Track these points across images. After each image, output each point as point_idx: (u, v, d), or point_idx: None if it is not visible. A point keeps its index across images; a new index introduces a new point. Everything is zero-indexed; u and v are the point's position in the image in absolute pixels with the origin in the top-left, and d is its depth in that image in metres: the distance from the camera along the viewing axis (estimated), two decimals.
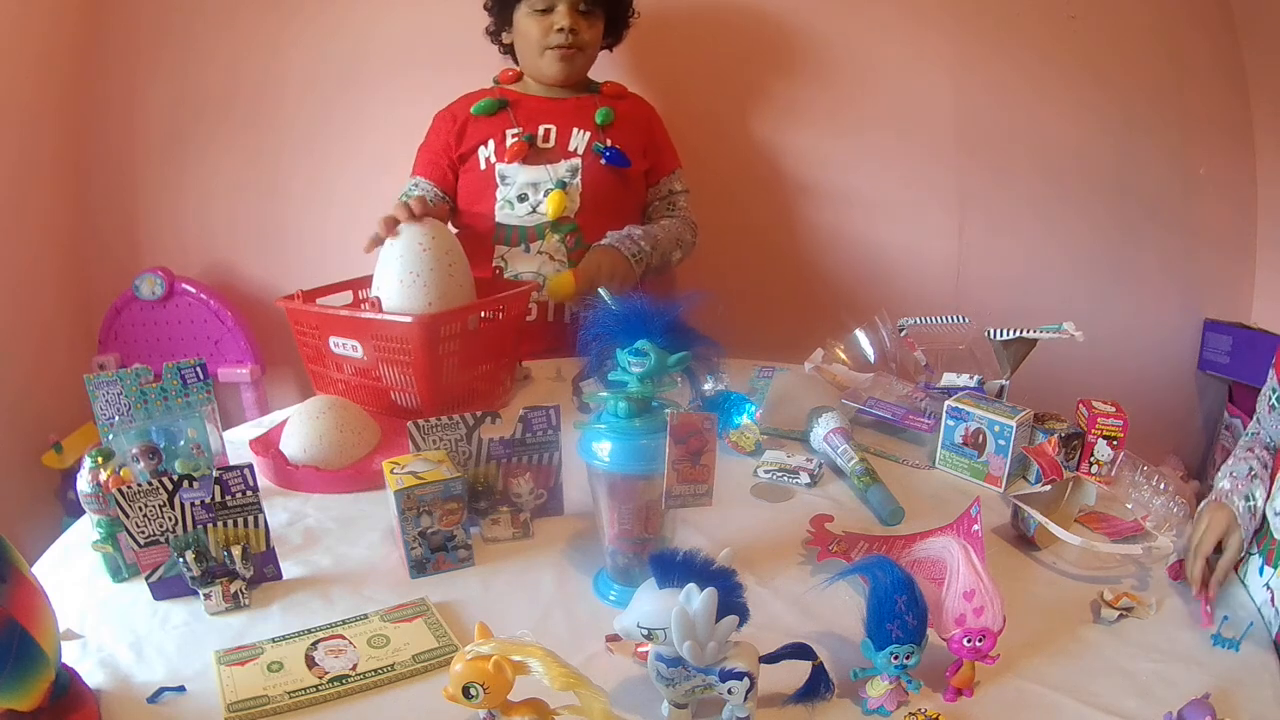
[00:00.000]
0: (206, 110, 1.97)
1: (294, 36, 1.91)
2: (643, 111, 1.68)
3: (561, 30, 1.50)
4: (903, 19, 1.84)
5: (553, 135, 1.58)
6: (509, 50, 1.66)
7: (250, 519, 0.86)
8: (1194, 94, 1.84)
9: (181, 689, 0.72)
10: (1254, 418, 0.99)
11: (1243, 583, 0.87)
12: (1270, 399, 0.93)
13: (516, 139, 1.55)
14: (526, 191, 1.55)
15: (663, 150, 1.69)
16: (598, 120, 1.58)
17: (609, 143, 1.58)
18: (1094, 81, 1.83)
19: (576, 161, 1.56)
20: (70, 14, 1.87)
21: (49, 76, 1.86)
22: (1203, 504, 0.89)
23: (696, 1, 1.88)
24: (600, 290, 0.85)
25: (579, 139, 1.57)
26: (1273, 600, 0.80)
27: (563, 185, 1.55)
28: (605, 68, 1.71)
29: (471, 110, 1.59)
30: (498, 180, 1.57)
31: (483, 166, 1.58)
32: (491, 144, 1.57)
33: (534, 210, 1.55)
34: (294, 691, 0.71)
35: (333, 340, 1.24)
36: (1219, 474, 0.92)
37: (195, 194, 2.02)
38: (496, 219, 1.57)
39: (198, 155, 2.00)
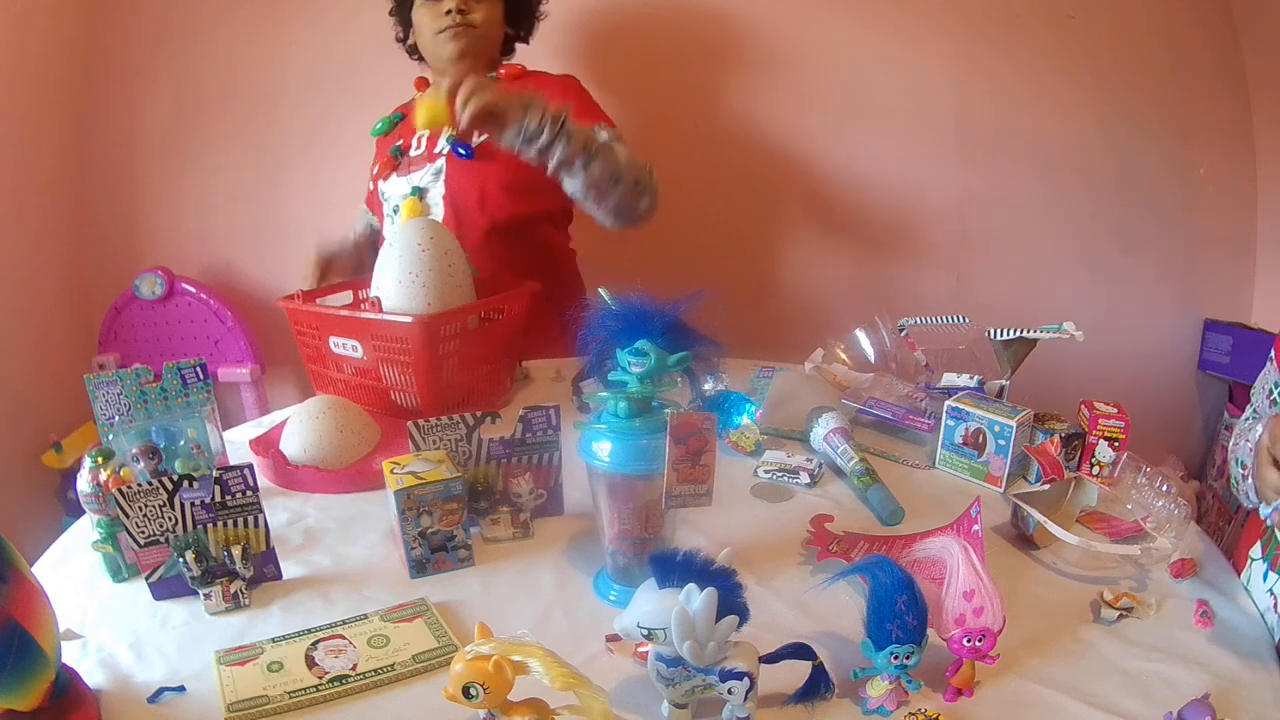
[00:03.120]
0: (206, 110, 1.97)
1: (294, 37, 1.92)
2: (552, 87, 1.45)
3: (449, 12, 1.44)
4: (903, 19, 1.84)
5: (424, 140, 1.52)
6: (417, 53, 1.61)
7: (250, 519, 0.86)
8: (1194, 94, 1.84)
9: (181, 689, 0.72)
10: (1249, 407, 0.97)
11: (1246, 589, 0.87)
12: (1271, 391, 0.93)
13: (390, 151, 1.54)
14: (399, 203, 1.52)
15: (573, 111, 1.34)
16: None
17: (477, 134, 1.44)
18: (1094, 82, 1.83)
19: (440, 163, 1.48)
20: (70, 14, 1.87)
21: (49, 76, 1.86)
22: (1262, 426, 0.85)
23: (700, 1, 1.88)
24: (600, 291, 0.83)
25: (445, 139, 1.49)
26: (1276, 606, 0.80)
27: (419, 192, 1.50)
28: (611, 71, 1.70)
29: (370, 134, 1.60)
30: (381, 198, 1.57)
31: (371, 187, 1.59)
32: (377, 166, 1.57)
33: None
34: (294, 691, 0.71)
35: (333, 340, 1.24)
36: (1242, 444, 0.89)
37: (195, 194, 2.02)
38: (385, 237, 1.53)
39: (198, 155, 2.00)
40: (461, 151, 1.45)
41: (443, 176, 1.48)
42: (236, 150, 1.99)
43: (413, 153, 1.54)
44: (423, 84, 1.62)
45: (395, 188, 1.54)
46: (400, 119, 1.60)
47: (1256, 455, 0.82)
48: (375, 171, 1.59)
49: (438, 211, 1.49)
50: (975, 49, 1.84)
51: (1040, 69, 1.84)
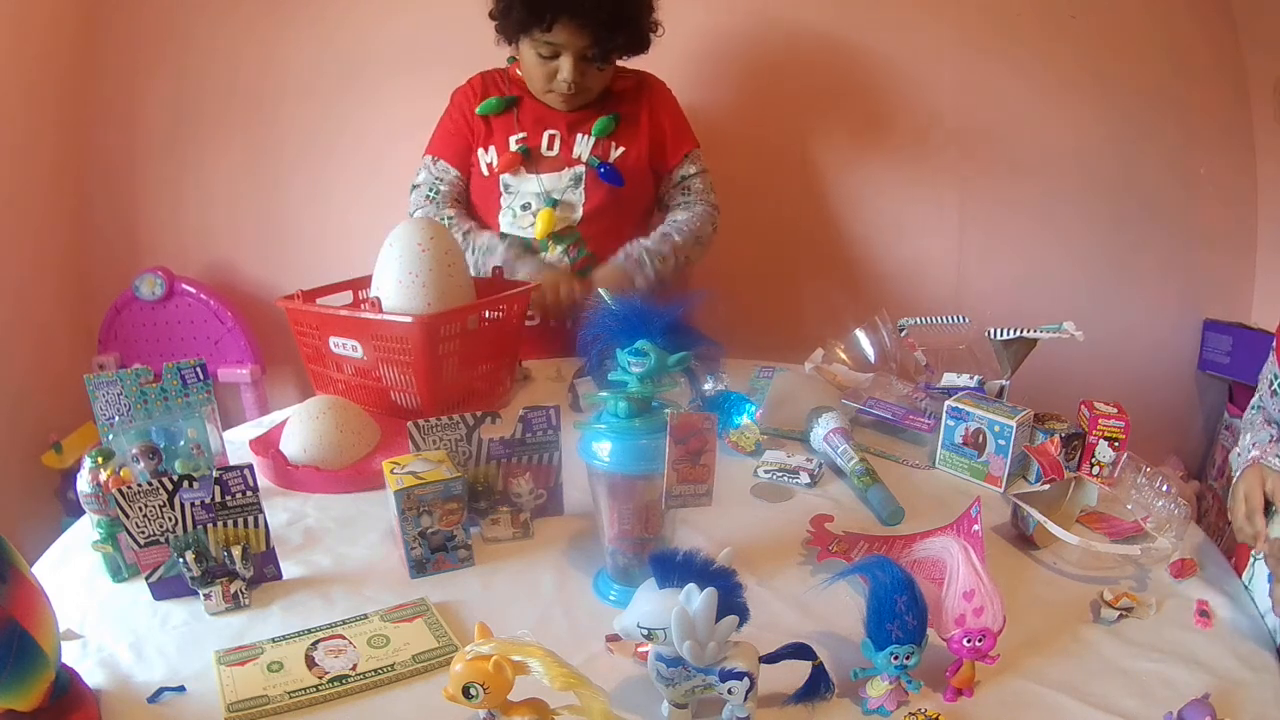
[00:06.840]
0: (206, 110, 1.97)
1: (294, 36, 1.91)
2: (651, 99, 1.59)
3: (565, 81, 1.45)
4: (902, 19, 1.84)
5: (557, 142, 1.53)
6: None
7: (250, 519, 0.86)
8: (1194, 94, 1.84)
9: (181, 689, 0.72)
10: (1255, 396, 0.98)
11: (1247, 589, 0.87)
12: (1272, 382, 0.93)
13: (517, 147, 1.52)
14: (530, 201, 1.53)
15: (672, 135, 1.60)
16: (594, 132, 1.53)
17: (614, 147, 1.54)
18: (1094, 81, 1.83)
19: (580, 169, 1.53)
20: (70, 13, 1.87)
21: (49, 76, 1.86)
22: (1237, 473, 0.88)
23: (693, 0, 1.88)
24: (600, 291, 0.85)
25: (583, 144, 1.53)
26: (1276, 607, 0.80)
27: (554, 203, 1.52)
28: None
29: (477, 111, 1.55)
30: (501, 189, 1.54)
31: (485, 173, 1.55)
32: (493, 150, 1.54)
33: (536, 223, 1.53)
34: (294, 691, 0.71)
35: (333, 340, 1.24)
36: (1237, 449, 0.91)
37: (195, 194, 2.02)
38: (501, 228, 1.55)
39: (198, 155, 2.00)
40: (601, 174, 1.53)
41: (583, 185, 1.54)
42: (236, 150, 1.99)
43: (545, 151, 1.54)
44: (520, 80, 1.56)
45: (523, 183, 1.54)
46: (514, 103, 1.55)
47: (1232, 495, 0.84)
48: (496, 163, 1.55)
49: (575, 213, 1.54)
50: (975, 49, 1.84)
51: (1040, 69, 1.84)
